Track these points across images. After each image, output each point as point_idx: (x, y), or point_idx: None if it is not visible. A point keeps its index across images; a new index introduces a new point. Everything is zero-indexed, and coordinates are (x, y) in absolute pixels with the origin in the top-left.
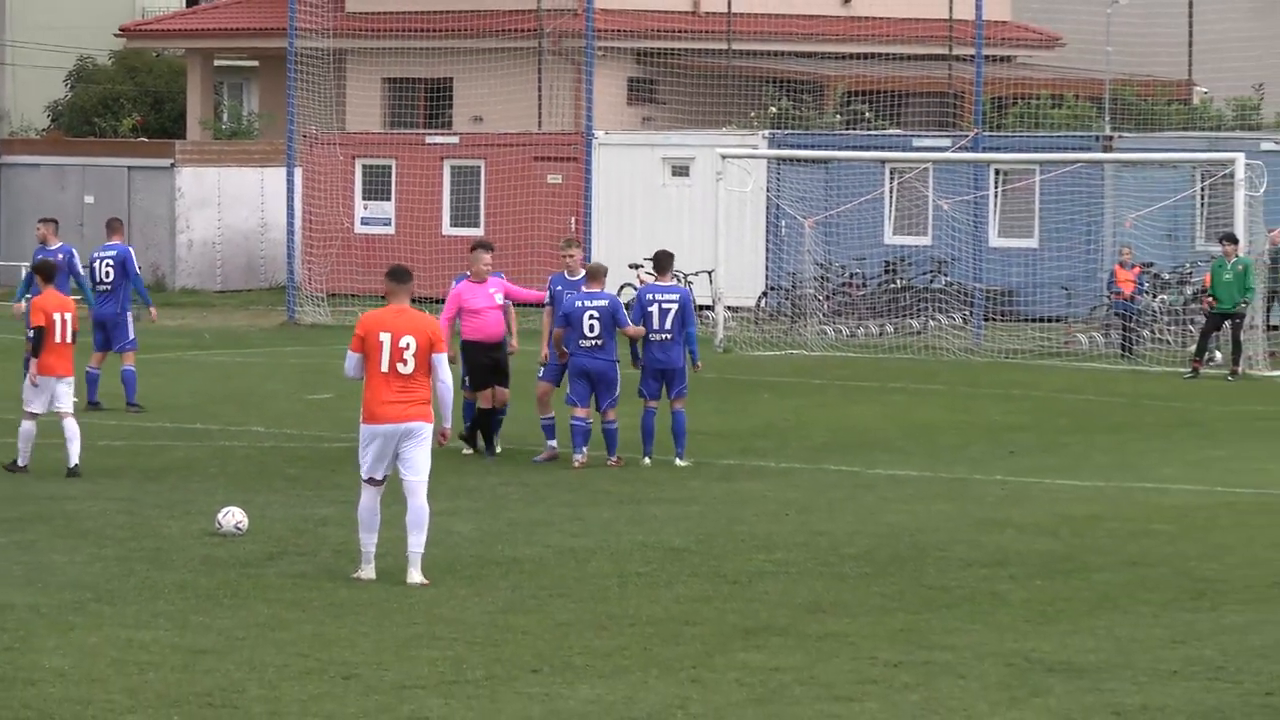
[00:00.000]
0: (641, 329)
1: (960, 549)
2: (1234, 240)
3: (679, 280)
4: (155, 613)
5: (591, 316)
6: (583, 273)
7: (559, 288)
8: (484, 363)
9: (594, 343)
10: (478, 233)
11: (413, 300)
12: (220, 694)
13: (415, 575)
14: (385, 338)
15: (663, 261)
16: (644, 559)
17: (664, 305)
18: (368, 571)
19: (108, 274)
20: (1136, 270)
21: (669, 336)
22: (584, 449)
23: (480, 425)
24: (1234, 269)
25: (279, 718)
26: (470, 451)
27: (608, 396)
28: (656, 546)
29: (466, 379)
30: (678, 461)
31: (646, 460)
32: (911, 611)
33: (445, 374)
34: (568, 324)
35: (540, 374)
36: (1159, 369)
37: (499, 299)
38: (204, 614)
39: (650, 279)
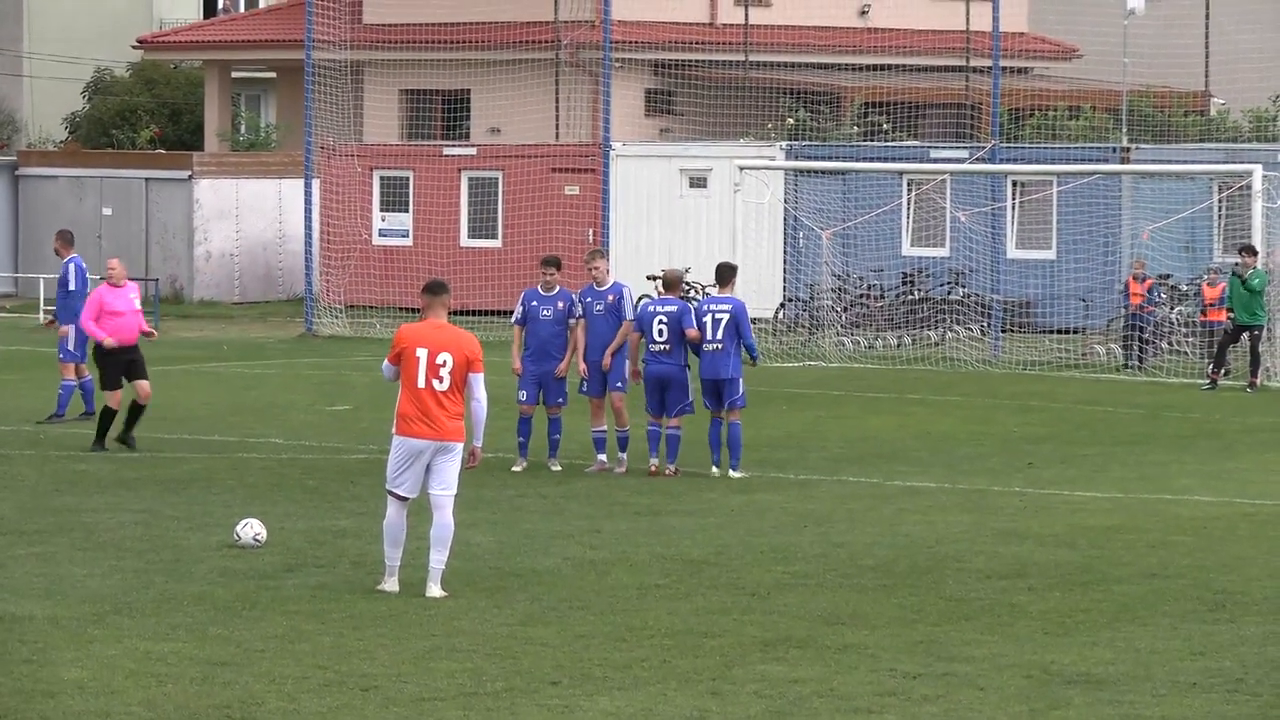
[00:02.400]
0: (698, 333)
1: (979, 560)
2: (1253, 252)
3: (693, 292)
4: (173, 625)
5: (661, 321)
6: (610, 282)
7: (588, 299)
8: (118, 364)
9: (663, 347)
10: (495, 244)
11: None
12: (239, 706)
13: (434, 590)
14: (422, 353)
15: (722, 273)
16: (662, 571)
17: (716, 315)
18: (391, 584)
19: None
20: (1149, 283)
21: (719, 347)
22: (656, 455)
23: (106, 422)
24: (1253, 279)
25: None
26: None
27: (678, 403)
28: (675, 558)
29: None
30: (733, 473)
31: (715, 470)
32: (930, 623)
33: (480, 393)
34: (641, 330)
35: (582, 388)
36: (1177, 380)
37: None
38: (222, 626)
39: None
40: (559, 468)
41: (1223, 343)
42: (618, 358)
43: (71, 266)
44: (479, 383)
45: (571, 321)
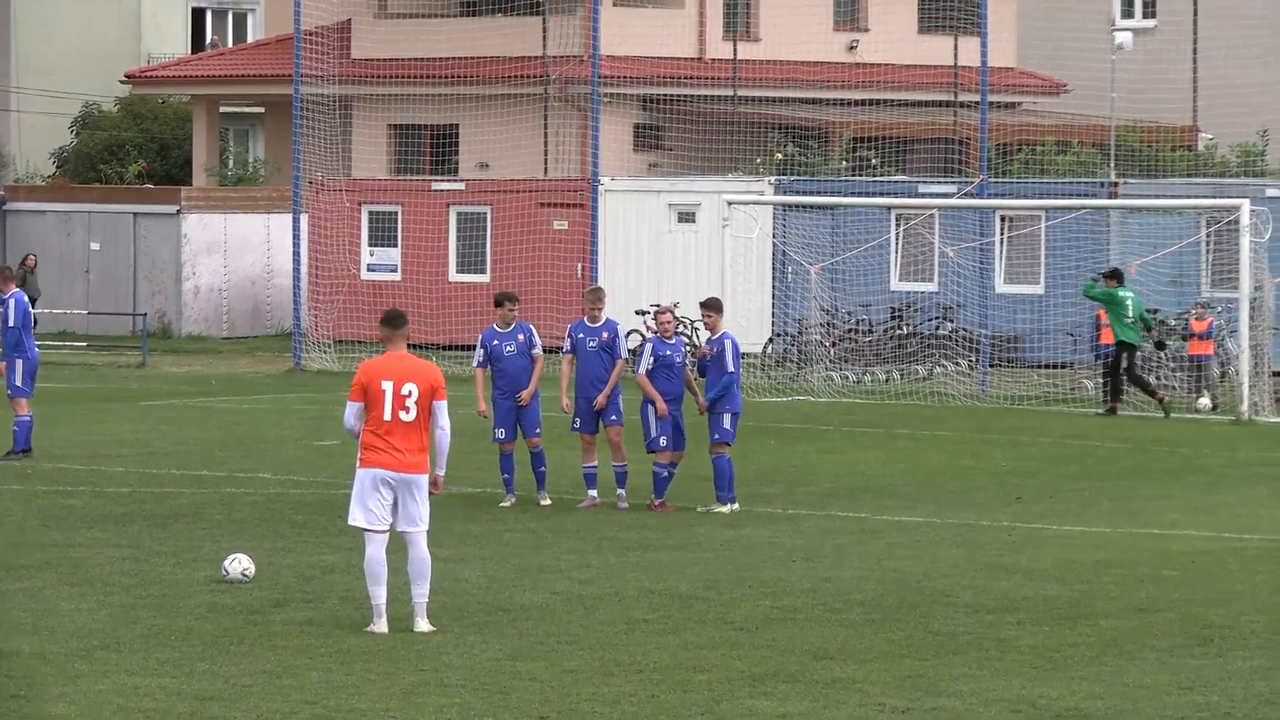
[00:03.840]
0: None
1: (967, 595)
2: (1114, 275)
3: (685, 327)
4: (161, 660)
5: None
6: (603, 319)
7: (580, 335)
8: None
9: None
10: (483, 279)
11: (413, 346)
12: None
13: (422, 624)
14: (387, 385)
15: (723, 308)
16: (651, 606)
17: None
18: (380, 625)
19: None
20: None
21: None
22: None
23: None
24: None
25: None
26: None
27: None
28: (664, 593)
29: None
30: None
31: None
32: (919, 657)
33: (445, 420)
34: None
35: (576, 425)
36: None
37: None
38: (210, 661)
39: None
40: (548, 501)
41: (1111, 370)
42: (613, 393)
43: (12, 302)
44: (443, 410)
45: (535, 353)
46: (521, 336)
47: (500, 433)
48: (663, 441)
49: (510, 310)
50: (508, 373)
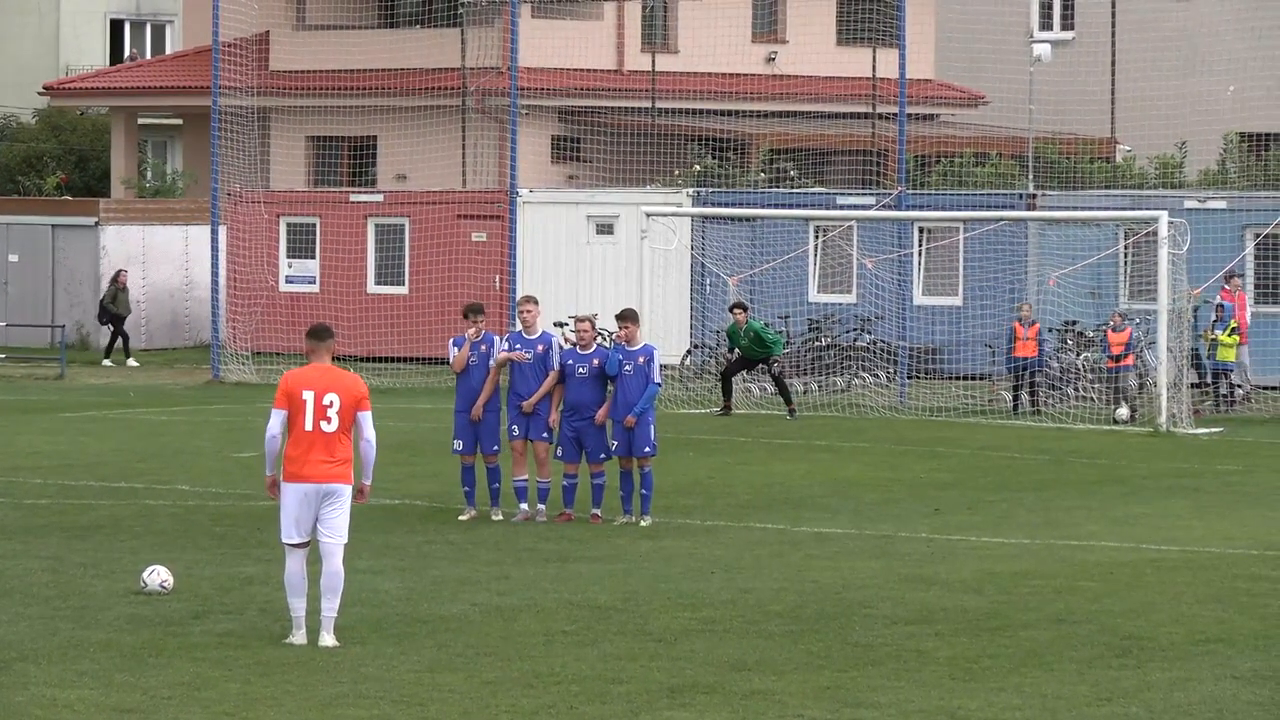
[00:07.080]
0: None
1: (886, 606)
2: (744, 308)
3: (603, 339)
4: (80, 672)
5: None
6: (539, 331)
7: (518, 346)
8: None
9: None
10: (402, 291)
11: (336, 358)
12: None
13: (328, 639)
14: (309, 395)
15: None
16: (570, 617)
17: None
18: (299, 637)
19: None
20: (1035, 327)
21: None
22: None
23: None
24: (747, 334)
25: None
26: None
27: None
28: (582, 604)
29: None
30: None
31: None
32: (837, 669)
33: (369, 432)
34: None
35: (514, 433)
36: (1083, 426)
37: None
38: (129, 673)
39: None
40: (500, 516)
41: (728, 372)
42: (543, 407)
43: None
44: (367, 421)
45: (492, 364)
46: (485, 348)
47: (458, 444)
48: (559, 452)
49: (475, 322)
50: (468, 383)
